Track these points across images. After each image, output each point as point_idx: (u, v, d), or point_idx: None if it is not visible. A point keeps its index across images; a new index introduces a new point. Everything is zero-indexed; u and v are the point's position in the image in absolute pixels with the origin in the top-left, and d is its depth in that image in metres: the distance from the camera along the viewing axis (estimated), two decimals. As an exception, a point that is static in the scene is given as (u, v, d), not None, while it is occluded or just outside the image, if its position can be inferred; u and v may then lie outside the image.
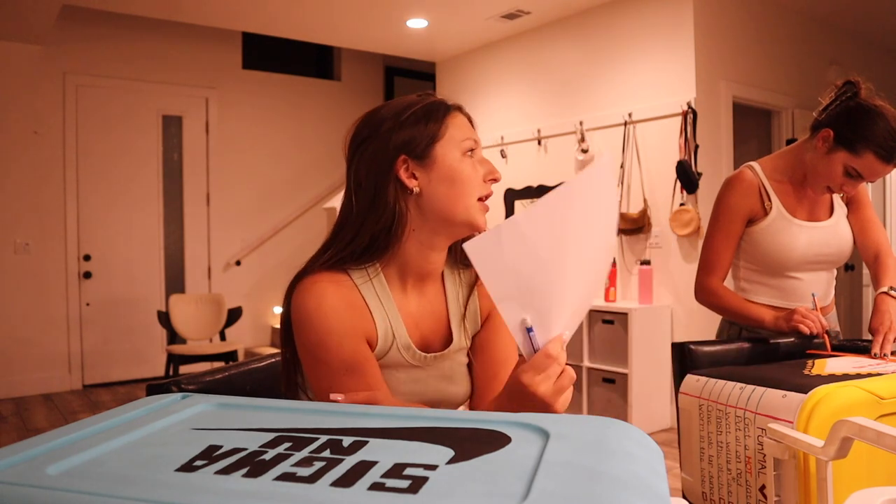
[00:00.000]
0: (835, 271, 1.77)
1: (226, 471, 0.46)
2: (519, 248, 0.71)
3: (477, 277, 1.10)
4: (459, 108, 1.05)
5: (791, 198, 1.68)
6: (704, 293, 1.73)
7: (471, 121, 1.07)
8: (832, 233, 1.69)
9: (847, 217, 1.73)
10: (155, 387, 1.06)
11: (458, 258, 1.10)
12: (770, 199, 1.66)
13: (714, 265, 1.71)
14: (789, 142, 1.77)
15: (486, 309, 1.11)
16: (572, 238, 0.76)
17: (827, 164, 1.57)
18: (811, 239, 1.66)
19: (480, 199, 1.00)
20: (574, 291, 0.79)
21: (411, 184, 0.98)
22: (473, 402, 1.10)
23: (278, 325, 6.44)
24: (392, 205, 0.98)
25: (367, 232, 0.98)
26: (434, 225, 1.00)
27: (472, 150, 1.01)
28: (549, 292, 0.75)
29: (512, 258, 0.71)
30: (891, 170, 1.54)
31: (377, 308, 1.01)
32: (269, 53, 5.94)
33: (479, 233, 0.97)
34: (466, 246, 0.70)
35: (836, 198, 1.74)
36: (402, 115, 0.99)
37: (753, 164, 1.72)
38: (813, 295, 1.62)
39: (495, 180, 1.02)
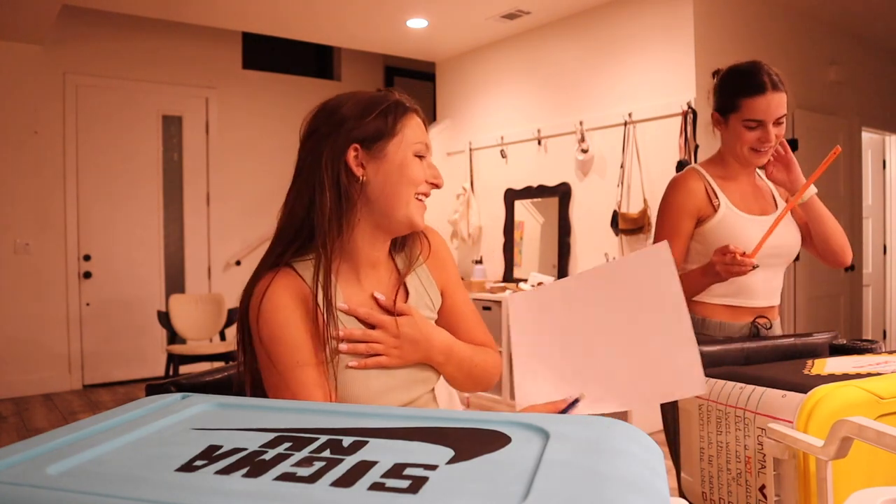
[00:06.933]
0: (783, 274, 1.76)
1: (226, 471, 0.46)
2: (549, 311, 0.74)
3: (420, 255, 1.16)
4: (416, 111, 1.09)
5: (736, 195, 1.70)
6: None
7: (426, 125, 1.11)
8: (781, 226, 1.69)
9: (792, 214, 1.73)
10: (154, 387, 1.06)
11: (402, 246, 1.17)
12: (717, 197, 1.68)
13: None
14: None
15: (440, 282, 1.18)
16: (597, 320, 0.77)
17: (732, 135, 1.66)
18: (762, 232, 1.66)
19: (418, 198, 1.06)
20: (586, 373, 0.79)
21: (359, 172, 1.03)
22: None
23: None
24: (340, 189, 1.02)
25: (318, 219, 1.01)
26: (378, 217, 1.05)
27: (421, 154, 1.07)
28: (558, 359, 0.77)
29: (542, 319, 0.74)
30: (778, 97, 1.61)
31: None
32: (269, 53, 5.94)
33: (415, 230, 1.08)
34: (510, 298, 0.75)
35: (777, 194, 1.75)
36: (362, 110, 1.04)
37: (696, 165, 1.75)
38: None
39: (437, 185, 1.08)
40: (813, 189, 1.68)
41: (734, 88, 1.64)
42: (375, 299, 1.07)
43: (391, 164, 1.03)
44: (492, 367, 1.18)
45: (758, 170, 1.79)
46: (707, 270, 1.56)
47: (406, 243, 1.17)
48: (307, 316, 0.99)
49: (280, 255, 1.03)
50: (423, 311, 1.13)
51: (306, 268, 1.02)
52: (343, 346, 1.00)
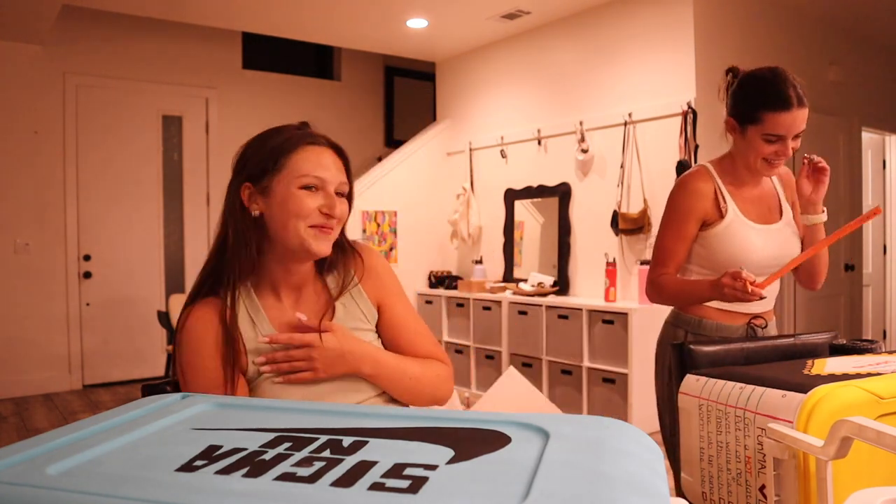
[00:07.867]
0: (779, 280, 1.77)
1: (226, 471, 0.46)
2: None
3: (355, 276, 1.20)
4: (315, 143, 1.12)
5: (741, 201, 1.67)
6: (649, 287, 1.71)
7: (340, 154, 1.15)
8: (784, 235, 1.68)
9: (794, 218, 1.72)
10: (151, 387, 1.07)
11: (333, 266, 1.21)
12: (726, 202, 1.65)
13: (663, 261, 1.69)
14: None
15: (375, 298, 1.21)
16: None
17: (748, 146, 1.61)
18: (766, 241, 1.65)
19: (314, 227, 1.09)
20: None
21: (252, 208, 1.10)
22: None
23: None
24: (236, 226, 1.10)
25: (229, 252, 1.10)
26: (280, 248, 1.11)
27: (311, 185, 1.09)
28: None
29: None
30: (802, 113, 1.54)
31: (248, 328, 1.11)
32: (269, 53, 5.94)
33: (317, 257, 1.12)
34: None
35: (784, 200, 1.73)
36: (258, 148, 1.11)
37: (707, 165, 1.70)
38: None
39: (328, 215, 1.10)
40: (823, 217, 1.66)
41: (757, 100, 1.56)
42: (298, 319, 1.13)
43: (275, 199, 1.09)
44: (433, 380, 1.18)
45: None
46: (714, 287, 1.55)
47: (338, 263, 1.20)
48: (224, 343, 1.07)
49: (201, 286, 1.12)
50: (356, 324, 1.17)
51: (227, 293, 1.10)
52: (267, 368, 1.08)
